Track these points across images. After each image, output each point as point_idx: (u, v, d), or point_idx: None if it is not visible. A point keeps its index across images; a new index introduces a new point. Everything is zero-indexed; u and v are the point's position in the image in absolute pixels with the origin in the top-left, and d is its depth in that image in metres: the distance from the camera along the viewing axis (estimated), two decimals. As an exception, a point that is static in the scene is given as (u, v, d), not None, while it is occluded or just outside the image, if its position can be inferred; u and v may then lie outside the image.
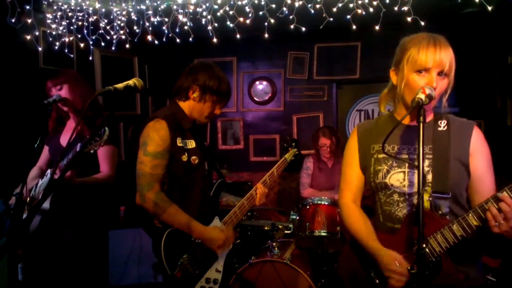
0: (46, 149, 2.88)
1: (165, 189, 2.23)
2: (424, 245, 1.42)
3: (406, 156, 1.70)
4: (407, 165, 1.68)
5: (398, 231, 1.68)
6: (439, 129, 1.69)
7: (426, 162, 1.65)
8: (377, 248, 1.67)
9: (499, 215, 1.43)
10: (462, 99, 4.56)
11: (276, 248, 3.28)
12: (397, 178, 1.69)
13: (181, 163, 2.22)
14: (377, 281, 1.70)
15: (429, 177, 1.63)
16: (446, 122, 1.71)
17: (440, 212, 1.60)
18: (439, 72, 1.59)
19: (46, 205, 2.54)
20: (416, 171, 1.65)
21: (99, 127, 2.58)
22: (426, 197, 1.62)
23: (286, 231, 3.54)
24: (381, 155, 1.74)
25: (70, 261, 2.69)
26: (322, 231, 3.21)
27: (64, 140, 2.79)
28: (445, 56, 1.58)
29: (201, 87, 2.30)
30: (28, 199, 2.61)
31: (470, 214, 1.49)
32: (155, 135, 2.15)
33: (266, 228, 3.64)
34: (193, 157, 2.27)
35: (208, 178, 2.44)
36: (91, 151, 2.32)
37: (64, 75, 2.78)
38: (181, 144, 2.22)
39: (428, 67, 1.58)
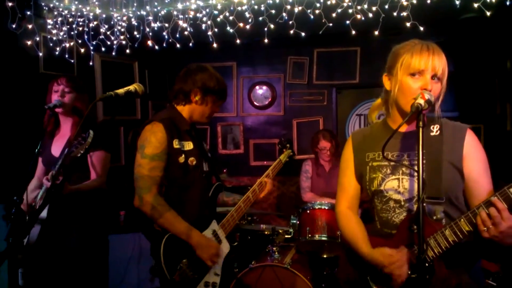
0: (39, 160, 2.86)
1: (163, 192, 2.23)
2: (423, 251, 1.42)
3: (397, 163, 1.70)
4: (401, 172, 1.69)
5: (393, 237, 1.69)
6: (432, 134, 1.70)
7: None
8: (368, 252, 1.69)
9: (488, 220, 1.43)
10: (461, 104, 4.58)
11: (276, 253, 3.28)
12: (392, 185, 1.70)
13: (178, 165, 2.23)
14: (374, 285, 1.70)
15: None
16: (438, 126, 1.71)
17: (435, 217, 1.61)
18: (432, 75, 1.60)
19: (44, 214, 2.54)
20: (410, 178, 1.66)
21: (83, 129, 2.58)
22: None
23: (286, 236, 3.55)
24: (376, 163, 1.75)
25: (70, 266, 2.68)
26: (322, 236, 3.21)
27: (55, 149, 2.77)
28: (438, 61, 1.60)
29: (201, 89, 2.32)
30: (27, 209, 2.62)
31: (462, 219, 1.50)
32: (152, 138, 2.16)
33: (266, 233, 3.64)
34: (191, 159, 2.27)
35: (207, 179, 2.44)
36: (78, 155, 2.31)
37: (80, 85, 2.80)
38: (178, 146, 2.23)
39: (422, 69, 1.59)
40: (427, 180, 1.61)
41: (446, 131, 1.69)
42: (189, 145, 2.30)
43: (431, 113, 1.69)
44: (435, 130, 1.70)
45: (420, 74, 1.60)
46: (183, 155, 2.24)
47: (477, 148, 1.67)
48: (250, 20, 3.74)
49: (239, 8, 3.72)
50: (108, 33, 4.04)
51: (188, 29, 3.90)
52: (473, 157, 1.65)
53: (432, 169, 1.62)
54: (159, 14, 3.89)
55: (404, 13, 3.42)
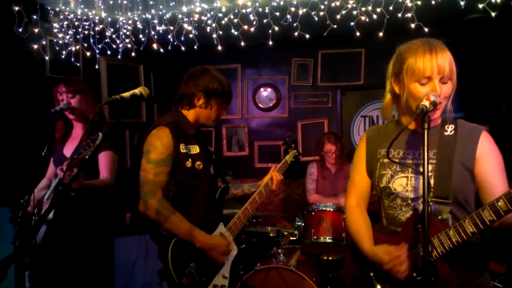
0: (51, 160, 2.90)
1: (170, 196, 2.23)
2: (428, 251, 1.41)
3: (411, 162, 1.70)
4: (410, 170, 1.68)
5: (398, 234, 1.69)
6: (446, 133, 1.68)
7: (430, 167, 1.63)
8: (369, 248, 1.69)
9: None
10: (467, 104, 4.56)
11: (281, 255, 3.28)
12: (400, 183, 1.70)
13: (185, 169, 2.22)
14: (377, 283, 1.70)
15: (431, 182, 1.62)
16: (453, 126, 1.69)
17: (440, 217, 1.60)
18: (441, 78, 1.58)
19: (50, 215, 2.55)
20: (419, 177, 1.65)
21: (95, 128, 2.60)
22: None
23: (291, 238, 3.54)
24: (387, 160, 1.74)
25: (75, 268, 2.70)
26: (327, 238, 3.21)
27: (67, 151, 2.80)
28: (443, 61, 1.56)
29: (204, 93, 2.31)
30: (35, 209, 2.64)
31: (466, 220, 1.49)
32: (158, 143, 2.16)
33: (271, 235, 3.64)
34: (198, 163, 2.27)
35: (213, 182, 2.44)
36: (86, 157, 2.33)
37: (80, 84, 2.82)
38: (184, 150, 2.23)
39: (428, 75, 1.57)
40: (437, 179, 1.61)
41: (461, 132, 1.68)
42: (195, 149, 2.30)
43: (444, 113, 1.68)
44: (449, 130, 1.69)
45: (427, 79, 1.58)
46: (190, 160, 2.24)
47: (492, 150, 1.65)
48: (254, 23, 3.75)
49: (244, 11, 3.73)
50: (114, 36, 4.07)
51: (193, 31, 3.92)
52: (487, 158, 1.63)
53: (443, 168, 1.62)
54: (164, 17, 3.91)
55: (409, 14, 3.42)
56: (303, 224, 3.39)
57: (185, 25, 3.89)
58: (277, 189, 2.58)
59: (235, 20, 3.75)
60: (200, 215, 2.26)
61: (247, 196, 2.58)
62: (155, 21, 3.96)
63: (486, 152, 1.64)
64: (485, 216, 1.46)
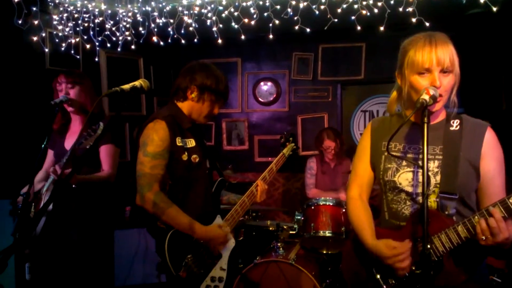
0: (51, 153, 2.90)
1: (167, 190, 2.24)
2: (428, 246, 1.41)
3: (411, 156, 1.69)
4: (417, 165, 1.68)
5: (402, 228, 1.68)
6: (451, 128, 1.68)
7: (436, 163, 1.64)
8: (373, 243, 1.68)
9: (487, 230, 1.43)
10: (467, 100, 4.55)
11: (281, 248, 3.29)
12: (406, 177, 1.69)
13: (181, 163, 2.23)
14: (378, 276, 1.70)
15: (438, 178, 1.62)
16: (459, 121, 1.69)
17: (446, 213, 1.59)
18: (441, 70, 1.57)
19: (49, 206, 2.56)
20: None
21: (94, 121, 2.59)
22: (433, 197, 1.62)
23: (291, 232, 3.55)
24: (392, 153, 1.73)
25: (75, 261, 2.71)
26: (327, 232, 3.22)
27: (68, 144, 2.81)
28: (443, 53, 1.56)
29: (199, 87, 2.31)
30: (34, 201, 2.65)
31: (476, 216, 1.48)
32: (155, 136, 2.16)
33: (271, 229, 3.65)
34: (194, 156, 2.27)
35: (209, 176, 2.45)
36: (87, 146, 2.33)
37: (80, 76, 2.83)
38: (180, 144, 2.23)
39: (426, 67, 1.57)
40: (444, 175, 1.60)
41: (466, 127, 1.67)
42: (191, 143, 2.31)
43: (448, 107, 1.67)
44: (455, 125, 1.68)
45: (427, 71, 1.58)
46: (186, 153, 2.24)
47: (496, 147, 1.65)
48: (255, 16, 3.74)
49: (244, 4, 3.72)
50: (114, 29, 4.06)
51: (193, 25, 3.91)
52: (491, 157, 1.63)
53: (449, 164, 1.61)
54: (164, 10, 3.90)
55: (410, 9, 3.41)
56: (302, 218, 3.40)
57: (185, 18, 3.88)
58: (261, 200, 2.56)
59: (236, 14, 3.74)
60: (197, 208, 2.27)
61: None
62: (155, 14, 3.94)
63: (490, 150, 1.63)
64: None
